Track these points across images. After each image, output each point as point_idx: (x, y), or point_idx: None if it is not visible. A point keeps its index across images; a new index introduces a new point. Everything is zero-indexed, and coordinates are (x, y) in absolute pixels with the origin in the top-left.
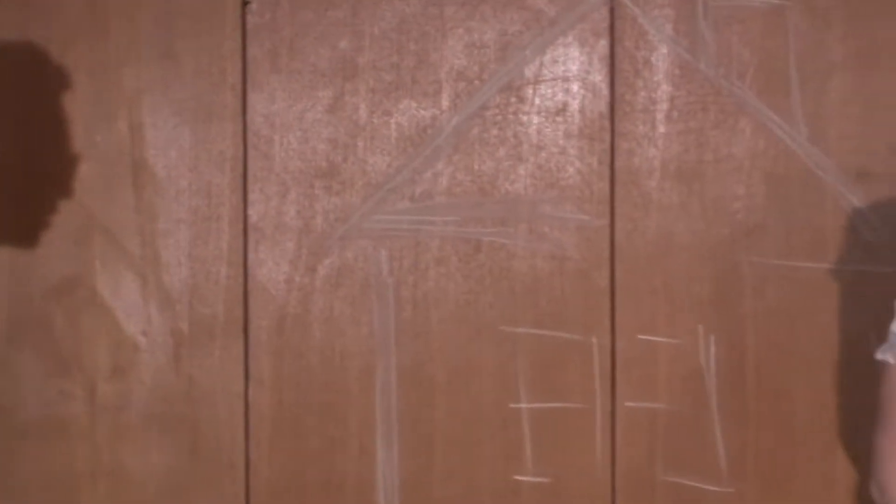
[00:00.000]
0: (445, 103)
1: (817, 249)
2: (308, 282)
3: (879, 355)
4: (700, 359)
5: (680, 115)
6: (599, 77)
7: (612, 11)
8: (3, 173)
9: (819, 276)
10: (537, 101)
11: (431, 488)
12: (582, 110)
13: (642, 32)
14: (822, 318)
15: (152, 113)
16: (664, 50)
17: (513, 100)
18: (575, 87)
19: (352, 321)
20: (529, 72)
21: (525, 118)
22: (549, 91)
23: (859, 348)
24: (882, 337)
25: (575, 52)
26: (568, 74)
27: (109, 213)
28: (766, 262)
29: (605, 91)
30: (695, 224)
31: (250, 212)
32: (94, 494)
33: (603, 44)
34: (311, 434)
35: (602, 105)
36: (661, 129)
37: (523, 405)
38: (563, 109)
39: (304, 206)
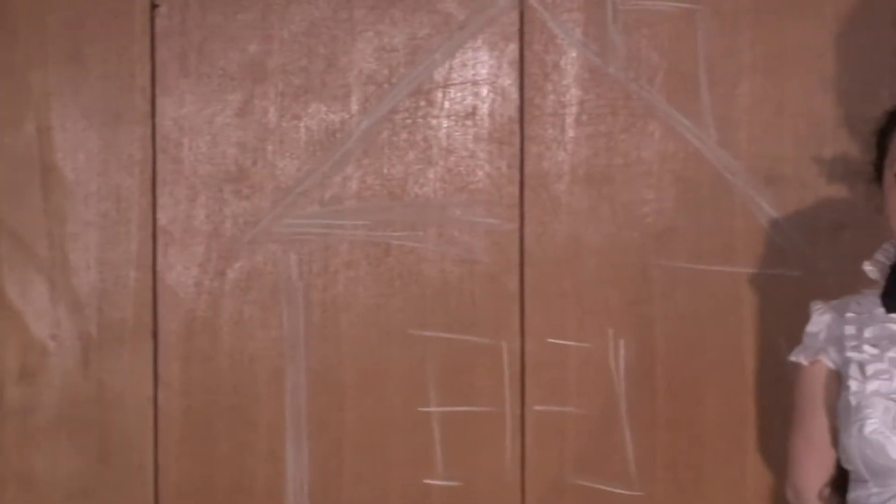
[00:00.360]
0: (355, 107)
1: (727, 253)
2: (217, 286)
3: (793, 357)
4: (609, 362)
5: (589, 119)
6: (509, 81)
7: (521, 15)
8: None
9: (729, 279)
10: (447, 104)
11: (341, 492)
12: (491, 114)
13: (552, 36)
14: (731, 321)
15: (61, 116)
16: (573, 54)
17: (422, 103)
18: (484, 90)
19: (261, 325)
20: (439, 75)
21: (434, 122)
22: (459, 95)
23: (769, 351)
24: (792, 340)
25: (484, 55)
26: (477, 78)
27: (17, 217)
28: (675, 265)
29: (515, 95)
30: (604, 228)
31: (159, 215)
32: (1, 498)
33: (512, 48)
34: (220, 437)
35: (511, 109)
36: (571, 132)
37: (433, 409)
38: (472, 113)
39: (213, 209)
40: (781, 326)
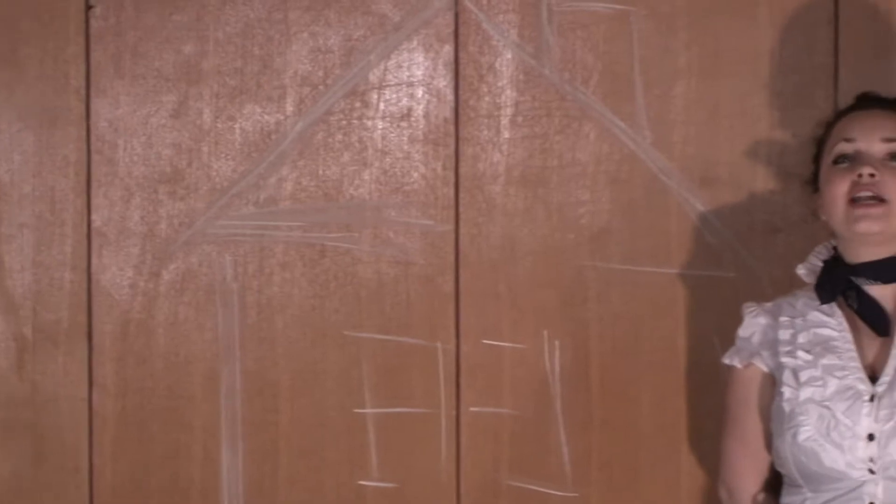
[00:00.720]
0: (290, 108)
1: (661, 254)
2: (152, 287)
3: (726, 360)
4: (545, 363)
5: (524, 121)
6: (444, 82)
7: (456, 17)
8: None
9: (663, 280)
10: (382, 106)
11: (276, 493)
12: (426, 115)
13: (487, 38)
14: (666, 322)
15: None
16: (509, 55)
17: (357, 105)
18: (419, 92)
19: (196, 326)
20: (374, 77)
21: (370, 123)
22: (394, 96)
23: (703, 352)
24: (725, 341)
25: (419, 57)
26: (412, 80)
27: None
28: (610, 266)
29: (450, 96)
30: (539, 229)
31: (94, 217)
32: None
33: (447, 49)
34: (155, 439)
35: (447, 110)
36: (506, 134)
37: (368, 410)
38: (407, 114)
39: (148, 211)
40: (715, 327)
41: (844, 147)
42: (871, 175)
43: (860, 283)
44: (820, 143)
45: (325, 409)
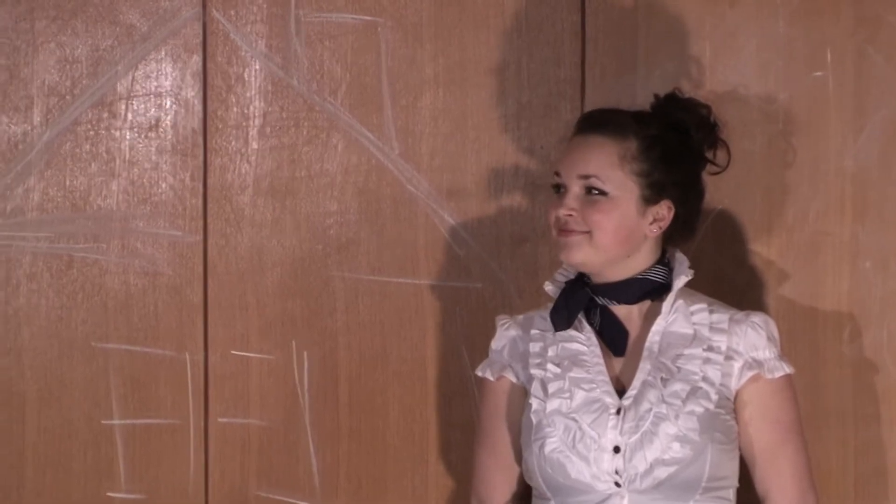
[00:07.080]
0: (37, 118)
1: (409, 265)
2: None
3: (479, 372)
4: (293, 374)
5: (273, 131)
6: (192, 93)
7: (204, 27)
8: None
9: (411, 291)
10: (130, 116)
11: None
12: (174, 126)
13: (235, 48)
14: (413, 332)
15: None
16: (257, 66)
17: (105, 115)
18: (167, 102)
19: None
20: (122, 87)
21: (117, 134)
22: (142, 107)
23: (450, 363)
24: (473, 351)
25: (167, 67)
26: (160, 90)
27: None
28: (358, 277)
29: (198, 107)
30: (287, 240)
31: None
32: None
33: (196, 59)
34: None
35: (195, 121)
36: (254, 145)
37: (116, 421)
38: (155, 125)
39: None
40: (463, 337)
41: (556, 179)
42: (568, 214)
43: (605, 303)
44: None
45: (72, 420)
